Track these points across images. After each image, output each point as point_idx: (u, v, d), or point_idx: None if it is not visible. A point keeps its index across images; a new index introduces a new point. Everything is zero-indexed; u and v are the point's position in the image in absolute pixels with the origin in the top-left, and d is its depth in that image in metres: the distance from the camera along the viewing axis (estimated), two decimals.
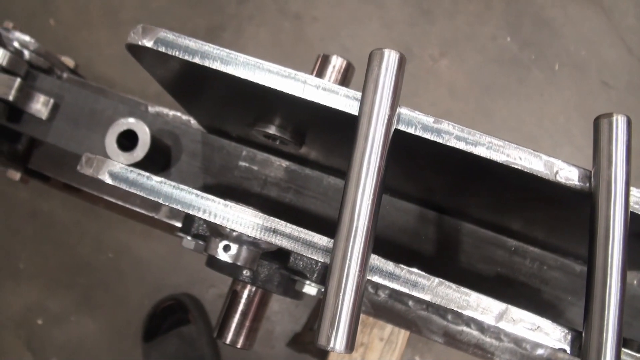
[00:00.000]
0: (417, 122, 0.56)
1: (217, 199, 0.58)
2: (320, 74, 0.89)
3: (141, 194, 0.58)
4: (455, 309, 0.54)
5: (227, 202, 0.58)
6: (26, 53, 1.07)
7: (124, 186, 0.59)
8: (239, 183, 0.93)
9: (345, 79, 0.92)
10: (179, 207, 0.57)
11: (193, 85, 0.70)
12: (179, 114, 1.05)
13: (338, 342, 0.49)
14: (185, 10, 2.22)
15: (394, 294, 1.02)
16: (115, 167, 0.59)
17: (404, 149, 0.58)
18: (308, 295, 0.90)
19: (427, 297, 0.54)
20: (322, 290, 0.87)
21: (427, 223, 0.91)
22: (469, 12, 2.16)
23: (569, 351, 0.54)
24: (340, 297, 0.49)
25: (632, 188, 0.54)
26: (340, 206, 0.52)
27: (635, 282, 0.93)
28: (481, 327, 1.01)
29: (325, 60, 0.92)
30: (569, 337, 0.54)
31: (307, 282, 0.87)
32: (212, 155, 0.94)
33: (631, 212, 0.54)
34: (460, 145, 0.55)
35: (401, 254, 0.90)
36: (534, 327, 0.54)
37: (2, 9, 2.25)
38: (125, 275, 2.11)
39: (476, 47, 2.13)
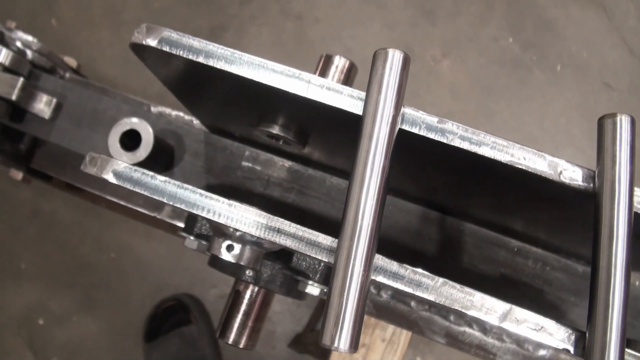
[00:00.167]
0: (422, 121, 0.56)
1: (222, 199, 0.58)
2: (323, 74, 0.89)
3: (145, 193, 0.58)
4: (460, 309, 0.54)
5: (231, 202, 0.57)
6: (29, 53, 1.08)
7: (128, 185, 0.59)
8: (242, 183, 0.93)
9: (348, 79, 0.92)
10: (183, 207, 0.57)
11: (196, 84, 0.70)
12: (181, 114, 1.05)
13: (342, 341, 0.49)
14: (187, 10, 2.23)
15: (396, 294, 1.02)
16: (120, 167, 0.59)
17: (407, 149, 0.58)
18: (310, 295, 0.90)
19: (431, 297, 0.54)
20: (325, 290, 0.87)
21: (430, 223, 0.91)
22: (470, 13, 2.16)
23: (572, 351, 0.54)
24: (345, 296, 0.49)
25: (636, 188, 0.54)
26: (344, 206, 0.52)
27: (637, 283, 0.92)
28: (483, 328, 1.01)
29: (328, 61, 0.92)
30: (572, 337, 0.54)
31: (310, 282, 0.87)
32: (215, 155, 0.94)
33: (635, 213, 0.54)
34: (465, 145, 0.55)
35: (404, 254, 0.90)
36: (537, 327, 0.54)
37: (4, 9, 2.25)
38: (127, 276, 2.11)
39: (478, 48, 2.13)
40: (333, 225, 0.88)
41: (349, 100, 0.57)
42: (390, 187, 0.53)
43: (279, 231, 0.57)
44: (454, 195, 0.82)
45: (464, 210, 0.87)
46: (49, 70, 1.11)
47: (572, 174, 0.56)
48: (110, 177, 0.59)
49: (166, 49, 0.59)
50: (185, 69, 0.64)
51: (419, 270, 0.55)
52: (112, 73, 2.18)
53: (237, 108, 0.76)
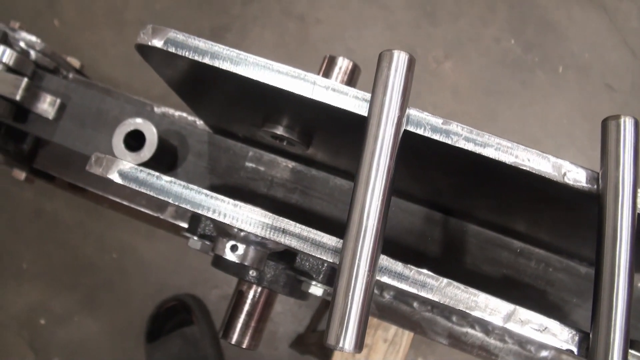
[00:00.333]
0: (426, 123, 0.56)
1: (227, 199, 0.58)
2: (326, 75, 0.90)
3: (151, 193, 0.58)
4: (464, 310, 0.54)
5: (237, 202, 0.58)
6: (32, 53, 1.08)
7: (133, 186, 0.59)
8: (246, 184, 0.94)
9: (351, 81, 0.92)
10: (188, 207, 0.58)
11: (201, 85, 0.70)
12: (184, 114, 1.06)
13: (347, 341, 0.49)
14: (189, 11, 2.23)
15: (399, 295, 1.02)
16: (125, 167, 0.59)
17: (411, 150, 0.58)
18: (313, 296, 0.90)
19: (435, 298, 0.54)
20: (328, 290, 0.88)
21: (433, 224, 0.91)
22: (472, 15, 2.16)
23: (576, 352, 0.54)
24: (350, 297, 0.50)
25: (639, 190, 0.54)
26: (349, 206, 0.52)
27: None
28: (486, 328, 1.01)
29: (331, 62, 0.92)
30: (576, 338, 0.55)
31: (313, 282, 0.87)
32: (218, 155, 0.94)
33: (639, 214, 0.54)
34: (469, 147, 0.55)
35: (407, 255, 0.90)
36: (541, 328, 0.55)
37: (6, 10, 2.26)
38: (129, 276, 2.12)
39: (480, 50, 2.13)
40: (336, 226, 0.88)
41: (354, 102, 0.57)
42: (394, 188, 0.53)
43: (284, 231, 0.57)
44: (457, 196, 0.82)
45: (467, 212, 0.88)
46: (53, 71, 1.11)
47: (576, 176, 0.56)
48: (116, 178, 0.59)
49: (172, 50, 0.59)
50: (191, 69, 0.64)
51: (424, 270, 0.55)
52: (114, 74, 2.19)
53: (241, 109, 0.76)
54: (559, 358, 1.00)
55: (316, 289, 0.88)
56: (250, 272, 0.85)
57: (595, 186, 0.55)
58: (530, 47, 2.12)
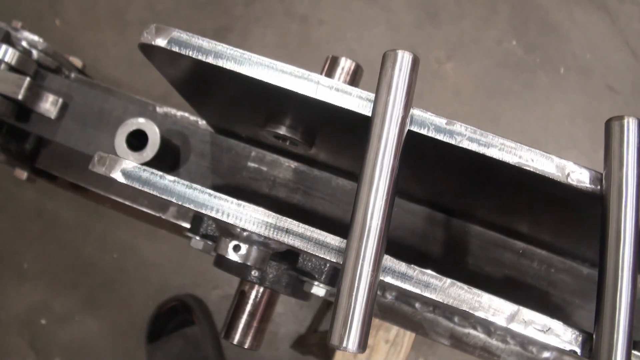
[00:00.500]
0: (430, 123, 0.56)
1: (230, 199, 0.58)
2: (329, 75, 0.90)
3: (154, 193, 0.58)
4: (467, 310, 0.54)
5: (240, 202, 0.58)
6: (34, 53, 1.08)
7: (136, 185, 0.59)
8: (248, 184, 0.94)
9: (353, 81, 0.92)
10: (192, 207, 0.58)
11: (205, 85, 0.70)
12: (187, 114, 1.06)
13: (351, 341, 0.49)
14: (191, 11, 2.23)
15: (401, 295, 1.02)
16: (128, 166, 0.59)
17: (414, 151, 0.58)
18: (316, 296, 0.90)
19: (439, 298, 0.54)
20: (331, 291, 0.88)
21: (435, 225, 0.91)
22: (474, 16, 2.16)
23: (580, 353, 0.54)
24: (353, 297, 0.50)
25: None
26: (353, 206, 0.52)
27: None
28: (487, 329, 1.01)
29: (334, 62, 0.92)
30: (580, 339, 0.54)
31: (316, 283, 0.87)
32: (220, 155, 0.94)
33: None
34: (473, 147, 0.55)
35: (409, 255, 0.90)
36: (545, 328, 0.54)
37: (8, 10, 2.26)
38: (130, 276, 2.12)
39: (482, 51, 2.13)
40: (339, 226, 0.89)
41: (357, 101, 0.57)
42: (397, 188, 0.53)
43: (287, 231, 0.57)
44: (460, 197, 0.82)
45: (469, 212, 0.88)
46: (55, 70, 1.11)
47: (580, 176, 0.56)
48: (119, 177, 0.59)
49: (175, 49, 0.59)
50: (194, 69, 0.64)
51: (427, 271, 0.55)
52: (116, 74, 2.19)
53: (244, 108, 0.76)
54: (560, 359, 1.00)
55: (318, 290, 0.88)
56: (253, 272, 0.85)
57: (599, 187, 0.55)
58: (532, 48, 2.12)
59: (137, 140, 0.88)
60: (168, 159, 0.92)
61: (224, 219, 0.58)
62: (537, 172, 0.55)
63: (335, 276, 0.87)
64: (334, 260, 0.56)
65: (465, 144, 0.55)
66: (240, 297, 0.88)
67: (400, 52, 0.54)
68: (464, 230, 0.90)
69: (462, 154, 0.57)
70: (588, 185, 0.56)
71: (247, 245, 0.69)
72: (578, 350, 0.54)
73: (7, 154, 1.15)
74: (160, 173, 0.59)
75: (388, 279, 0.55)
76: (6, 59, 0.98)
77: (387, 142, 0.52)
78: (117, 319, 2.11)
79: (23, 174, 1.20)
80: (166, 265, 2.11)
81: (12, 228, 2.19)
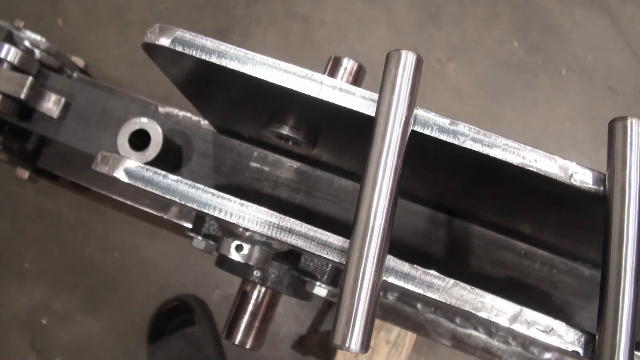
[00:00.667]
0: (434, 123, 0.56)
1: (233, 198, 0.58)
2: (331, 75, 0.90)
3: (157, 192, 0.58)
4: (470, 311, 0.54)
5: (243, 201, 0.58)
6: (37, 52, 1.08)
7: (139, 184, 0.59)
8: (250, 184, 0.94)
9: (356, 81, 0.92)
10: (195, 206, 0.58)
11: (208, 84, 0.70)
12: (189, 114, 1.06)
13: (353, 341, 0.49)
14: (193, 12, 2.23)
15: (403, 296, 1.02)
16: (131, 165, 0.59)
17: (417, 151, 0.58)
18: (318, 296, 0.90)
19: (442, 299, 0.54)
20: (332, 291, 0.88)
21: (438, 225, 0.91)
22: (476, 17, 2.16)
23: (582, 354, 0.54)
24: (356, 297, 0.49)
25: None
26: (356, 206, 0.52)
27: None
28: (489, 330, 1.01)
29: (336, 62, 0.93)
30: (582, 339, 0.54)
31: (318, 283, 0.87)
32: (223, 155, 0.94)
33: None
34: (476, 147, 0.55)
35: (411, 256, 0.90)
36: (547, 329, 0.54)
37: (9, 9, 2.26)
38: (131, 276, 2.12)
39: (483, 52, 2.13)
40: (341, 227, 0.89)
41: (361, 101, 0.57)
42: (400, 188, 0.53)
43: (290, 231, 0.57)
44: (462, 197, 0.82)
45: (472, 213, 0.88)
46: (57, 70, 1.11)
47: (583, 177, 0.56)
48: (122, 176, 0.59)
49: (179, 48, 0.59)
50: (197, 68, 0.64)
51: (430, 271, 0.55)
52: (117, 74, 2.19)
53: (247, 108, 0.76)
54: None
55: (320, 290, 0.88)
56: (255, 273, 0.85)
57: (602, 187, 0.55)
58: (534, 50, 2.12)
59: (139, 140, 0.88)
60: (170, 158, 0.92)
61: (227, 218, 0.58)
62: (540, 172, 0.55)
63: (337, 276, 0.87)
64: (337, 260, 0.56)
65: (469, 144, 0.55)
66: (242, 297, 0.88)
67: (404, 52, 0.54)
68: (466, 231, 0.90)
69: (465, 154, 0.57)
70: (591, 186, 0.55)
71: (249, 245, 0.69)
72: (580, 351, 0.54)
73: (9, 153, 1.15)
74: (163, 172, 0.59)
75: (391, 279, 0.55)
76: (9, 58, 0.98)
77: (391, 142, 0.52)
78: (117, 319, 2.11)
79: (25, 174, 1.20)
80: (167, 265, 2.11)
81: (13, 228, 2.19)
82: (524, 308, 0.55)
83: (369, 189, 0.51)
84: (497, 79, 2.11)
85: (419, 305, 1.01)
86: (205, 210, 0.58)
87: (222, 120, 0.90)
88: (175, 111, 1.05)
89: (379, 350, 1.36)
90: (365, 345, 0.50)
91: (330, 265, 0.85)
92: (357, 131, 0.61)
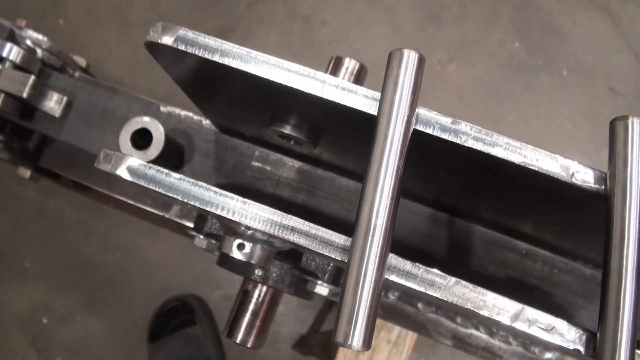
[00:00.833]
0: (435, 122, 0.56)
1: (236, 196, 0.58)
2: (333, 75, 0.90)
3: (160, 190, 0.58)
4: (472, 309, 0.54)
5: (245, 200, 0.58)
6: (39, 51, 1.08)
7: (142, 182, 0.59)
8: (252, 183, 0.94)
9: (357, 81, 0.92)
10: (197, 204, 0.58)
11: (210, 83, 0.70)
12: (190, 114, 1.06)
13: (355, 339, 0.49)
14: (194, 12, 2.23)
15: (404, 296, 1.02)
16: (134, 163, 0.59)
17: (419, 150, 0.58)
18: (319, 295, 0.90)
19: (443, 297, 0.54)
20: (334, 290, 0.88)
21: (439, 225, 0.91)
22: (477, 17, 2.16)
23: (583, 352, 0.54)
24: (358, 294, 0.50)
25: None
26: (358, 204, 0.52)
27: None
28: (490, 330, 1.01)
29: (338, 62, 0.93)
30: (583, 338, 0.55)
31: (319, 282, 0.88)
32: (225, 155, 0.95)
33: None
34: (478, 146, 0.55)
35: (412, 255, 0.90)
36: (549, 327, 0.55)
37: (11, 9, 2.26)
38: (132, 276, 2.12)
39: (484, 52, 2.13)
40: (342, 226, 0.89)
41: (363, 100, 0.57)
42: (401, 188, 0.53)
43: (292, 229, 0.57)
44: (464, 197, 0.82)
45: (473, 213, 0.88)
46: (59, 69, 1.11)
47: (584, 176, 0.56)
48: (124, 174, 0.59)
49: (182, 47, 0.60)
50: (200, 67, 0.64)
51: (432, 269, 0.55)
52: (119, 74, 2.19)
53: (249, 107, 0.77)
54: None
55: (322, 289, 0.88)
56: (256, 271, 0.85)
57: (603, 186, 0.55)
58: (535, 51, 2.12)
59: (141, 139, 0.88)
60: (172, 158, 0.93)
61: (229, 216, 0.58)
62: (542, 171, 0.55)
63: (338, 275, 0.87)
64: (339, 259, 0.56)
65: (471, 143, 0.56)
66: (244, 296, 0.88)
67: (406, 51, 0.54)
68: (467, 231, 0.91)
69: (467, 153, 0.57)
70: (592, 185, 0.56)
71: (251, 244, 0.69)
72: (582, 349, 0.54)
73: (10, 152, 1.15)
74: (166, 171, 0.59)
75: (393, 277, 0.55)
76: (11, 57, 0.98)
77: (393, 140, 0.52)
78: (118, 319, 2.11)
79: (26, 173, 1.20)
80: (168, 265, 2.11)
81: (14, 227, 2.19)
82: (525, 306, 0.55)
83: (371, 187, 0.52)
84: (498, 79, 2.11)
85: (420, 305, 1.02)
86: (208, 209, 0.58)
87: (224, 119, 0.91)
88: (177, 110, 1.06)
89: (380, 350, 1.37)
90: (367, 343, 0.50)
91: (331, 264, 0.86)
92: (359, 130, 0.61)
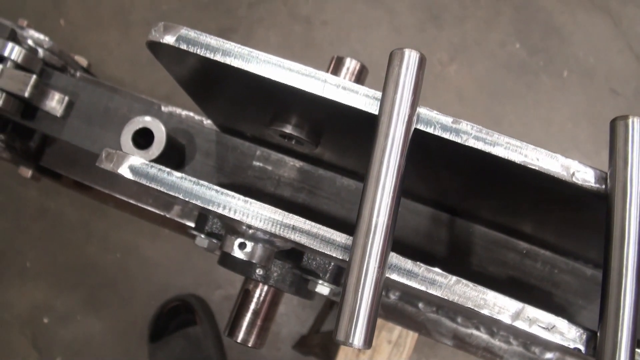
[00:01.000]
0: (436, 121, 0.56)
1: (237, 195, 0.58)
2: (334, 75, 0.90)
3: (162, 189, 0.58)
4: (473, 308, 0.54)
5: (247, 199, 0.58)
6: (40, 51, 1.08)
7: (144, 181, 0.59)
8: (253, 183, 0.94)
9: (358, 81, 0.92)
10: (199, 203, 0.58)
11: (211, 83, 0.70)
12: (191, 114, 1.06)
13: (357, 337, 0.49)
14: (195, 12, 2.23)
15: (404, 296, 1.02)
16: (136, 162, 0.60)
17: (420, 150, 0.58)
18: (320, 295, 0.90)
19: (444, 296, 0.55)
20: (335, 290, 0.88)
21: (440, 225, 0.91)
22: (478, 18, 2.16)
23: (584, 351, 0.54)
24: (360, 293, 0.50)
25: None
26: (359, 203, 0.53)
27: None
28: (490, 330, 1.02)
29: (339, 62, 0.93)
30: (584, 337, 0.55)
31: (320, 281, 0.88)
32: (226, 154, 0.95)
33: None
34: (479, 145, 0.56)
35: (413, 255, 0.90)
36: (549, 326, 0.55)
37: (12, 9, 2.26)
38: (132, 276, 2.12)
39: (485, 53, 2.13)
40: (343, 225, 0.89)
41: (364, 100, 0.57)
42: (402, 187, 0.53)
43: (294, 228, 0.57)
44: (464, 196, 0.82)
45: (474, 212, 0.88)
46: (61, 69, 1.11)
47: (585, 175, 0.56)
48: (126, 173, 0.60)
49: (183, 46, 0.60)
50: (201, 67, 0.65)
51: (433, 268, 0.55)
52: (120, 74, 2.19)
53: (250, 107, 0.77)
54: None
55: (323, 288, 0.88)
56: (257, 271, 0.85)
57: (604, 186, 0.56)
58: (535, 51, 2.12)
59: (142, 139, 0.88)
60: (173, 157, 0.93)
61: (231, 215, 0.58)
62: (543, 171, 0.56)
63: (339, 275, 0.87)
64: (340, 257, 0.56)
65: (471, 143, 0.56)
66: (245, 296, 0.88)
67: (407, 51, 0.54)
68: (468, 231, 0.91)
69: (468, 152, 0.57)
70: (593, 185, 0.56)
71: (252, 243, 0.69)
72: (582, 348, 0.54)
73: (12, 151, 1.15)
74: (167, 169, 0.59)
75: (394, 276, 0.55)
76: (12, 57, 0.98)
77: (394, 140, 0.52)
78: (119, 319, 2.11)
79: (27, 172, 1.20)
80: (169, 265, 2.11)
81: (15, 227, 2.19)
82: (526, 305, 0.55)
83: (372, 185, 0.52)
84: (499, 80, 2.11)
85: (420, 305, 1.02)
86: (210, 207, 0.58)
87: (225, 119, 0.91)
88: (178, 110, 1.06)
89: (381, 350, 1.37)
90: (368, 341, 0.50)
91: (332, 263, 0.86)
92: (360, 130, 0.61)
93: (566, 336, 0.55)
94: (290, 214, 0.58)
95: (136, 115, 0.91)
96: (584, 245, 0.83)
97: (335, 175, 0.93)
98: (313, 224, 0.57)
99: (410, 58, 0.54)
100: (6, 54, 0.97)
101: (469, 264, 0.91)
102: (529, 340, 1.01)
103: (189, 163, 0.95)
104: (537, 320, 0.55)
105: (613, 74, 2.09)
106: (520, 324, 0.55)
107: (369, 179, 0.52)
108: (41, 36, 1.13)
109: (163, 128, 0.87)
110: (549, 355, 1.00)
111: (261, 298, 0.88)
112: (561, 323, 0.55)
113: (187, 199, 0.58)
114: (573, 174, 0.56)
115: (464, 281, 0.55)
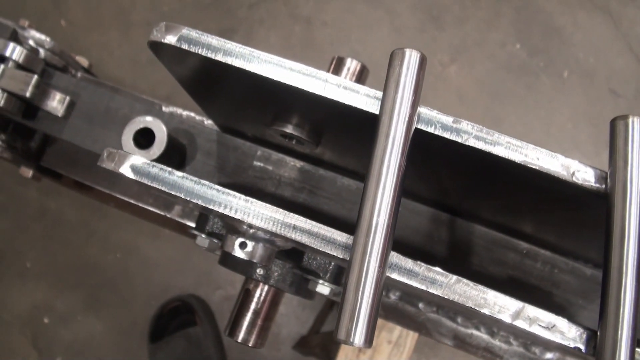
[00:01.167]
0: (437, 121, 0.56)
1: (238, 195, 0.58)
2: (335, 75, 0.90)
3: (163, 188, 0.59)
4: (473, 307, 0.54)
5: (248, 198, 0.58)
6: (42, 51, 1.08)
7: (145, 180, 0.59)
8: (254, 183, 0.94)
9: (359, 81, 0.92)
10: (200, 202, 0.58)
11: (212, 83, 0.71)
12: (192, 114, 1.06)
13: (357, 336, 0.49)
14: (196, 13, 2.24)
15: (405, 295, 1.02)
16: (138, 162, 0.60)
17: (420, 149, 0.58)
18: (320, 294, 0.90)
19: (445, 295, 0.55)
20: (335, 290, 0.88)
21: (440, 225, 0.91)
22: (478, 19, 2.16)
23: (584, 350, 0.55)
24: (360, 292, 0.50)
25: None
26: (360, 202, 0.53)
27: None
28: (491, 330, 1.02)
29: (340, 63, 0.93)
30: (584, 336, 0.55)
31: (320, 281, 0.88)
32: (227, 154, 0.95)
33: None
34: (479, 145, 0.56)
35: (414, 255, 0.90)
36: (550, 325, 0.55)
37: (13, 9, 2.27)
38: (133, 276, 2.12)
39: (485, 54, 2.14)
40: (343, 225, 0.89)
41: (365, 99, 0.57)
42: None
43: (294, 228, 0.57)
44: (465, 196, 0.82)
45: (474, 212, 0.88)
46: (62, 69, 1.11)
47: (585, 175, 0.56)
48: (128, 172, 0.60)
49: (185, 46, 0.60)
50: (203, 66, 0.65)
51: (434, 267, 0.55)
52: (120, 74, 2.20)
53: (251, 107, 0.77)
54: None
55: (323, 288, 0.88)
56: (258, 270, 0.85)
57: (604, 185, 0.56)
58: (536, 52, 2.13)
59: (143, 139, 0.88)
60: (174, 157, 0.93)
61: (232, 214, 0.58)
62: (543, 170, 0.56)
63: (339, 275, 0.87)
64: (341, 256, 0.56)
65: (472, 142, 0.56)
66: (245, 295, 0.89)
67: (408, 51, 0.54)
68: (468, 231, 0.91)
69: (468, 152, 0.57)
70: (593, 184, 0.56)
71: (253, 243, 0.69)
72: (582, 348, 0.55)
73: (12, 151, 1.15)
74: (169, 169, 0.59)
75: (394, 275, 0.55)
76: (14, 57, 0.98)
77: (395, 139, 0.52)
78: (119, 319, 2.11)
79: (28, 172, 1.20)
80: (169, 265, 2.12)
81: (16, 227, 2.19)
82: (526, 304, 0.55)
83: (373, 185, 0.52)
84: (499, 81, 2.11)
85: (420, 305, 1.02)
86: (211, 207, 0.58)
87: (226, 119, 0.91)
88: (179, 110, 1.06)
89: (381, 350, 1.37)
90: (369, 340, 0.50)
91: (333, 263, 0.86)
92: (361, 129, 0.61)
93: (566, 335, 0.55)
94: (291, 214, 0.58)
95: (137, 115, 0.91)
96: (584, 245, 0.83)
97: (336, 175, 0.93)
98: (314, 223, 0.57)
99: (411, 58, 0.54)
100: (7, 54, 0.98)
101: (469, 264, 0.91)
102: (529, 340, 1.01)
103: (190, 163, 0.96)
104: (537, 320, 0.55)
105: (613, 75, 2.09)
106: (520, 323, 0.55)
107: (370, 179, 0.52)
108: (42, 36, 1.13)
109: (164, 128, 0.87)
110: (549, 355, 1.00)
111: (262, 298, 0.88)
112: (561, 322, 0.55)
113: (188, 199, 0.58)
114: (573, 173, 0.56)
115: (465, 280, 0.55)
